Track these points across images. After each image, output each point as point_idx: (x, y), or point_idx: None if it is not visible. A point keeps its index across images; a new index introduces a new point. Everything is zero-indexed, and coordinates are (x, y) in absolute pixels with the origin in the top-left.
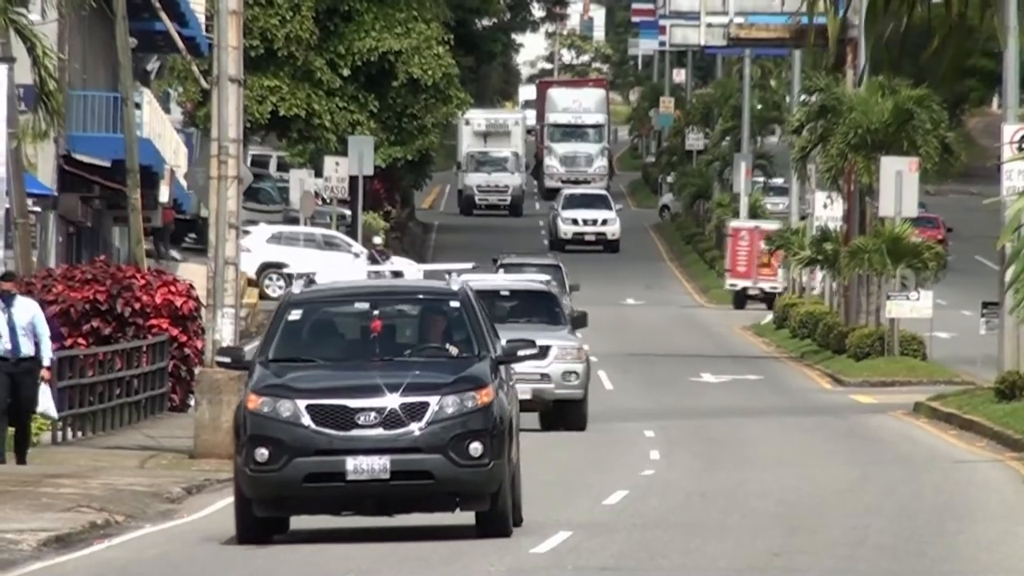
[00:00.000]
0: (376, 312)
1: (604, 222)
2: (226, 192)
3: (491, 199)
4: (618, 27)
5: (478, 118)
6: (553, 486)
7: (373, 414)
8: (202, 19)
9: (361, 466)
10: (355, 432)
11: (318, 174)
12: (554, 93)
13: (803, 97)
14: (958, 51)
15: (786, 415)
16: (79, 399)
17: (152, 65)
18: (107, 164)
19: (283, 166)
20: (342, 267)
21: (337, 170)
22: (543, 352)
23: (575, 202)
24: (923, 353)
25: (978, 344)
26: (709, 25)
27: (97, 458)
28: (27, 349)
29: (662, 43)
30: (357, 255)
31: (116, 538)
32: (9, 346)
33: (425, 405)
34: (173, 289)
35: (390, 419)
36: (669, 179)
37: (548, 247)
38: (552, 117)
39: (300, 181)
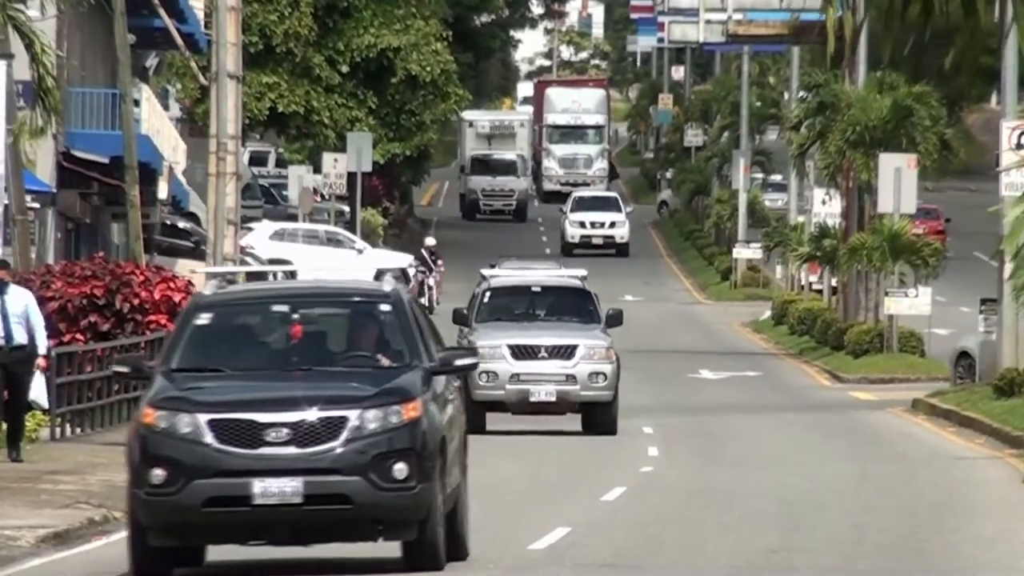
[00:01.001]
0: (296, 316)
1: (612, 225)
2: (224, 188)
3: (496, 204)
4: (616, 24)
5: (482, 120)
6: (552, 483)
7: (284, 430)
8: (201, 15)
9: (270, 489)
10: (263, 450)
11: (317, 170)
12: (553, 93)
13: (802, 94)
14: (975, 47)
15: (785, 412)
16: (77, 395)
17: (151, 61)
18: (106, 161)
19: (282, 162)
20: (345, 263)
21: (336, 166)
22: (568, 352)
23: (584, 205)
24: (922, 350)
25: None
26: (708, 22)
27: (95, 454)
28: (20, 337)
29: (661, 40)
30: (360, 251)
31: (114, 535)
32: (2, 333)
33: (343, 420)
34: (172, 285)
35: (304, 436)
36: (668, 176)
37: (561, 251)
38: (551, 118)
39: (299, 178)
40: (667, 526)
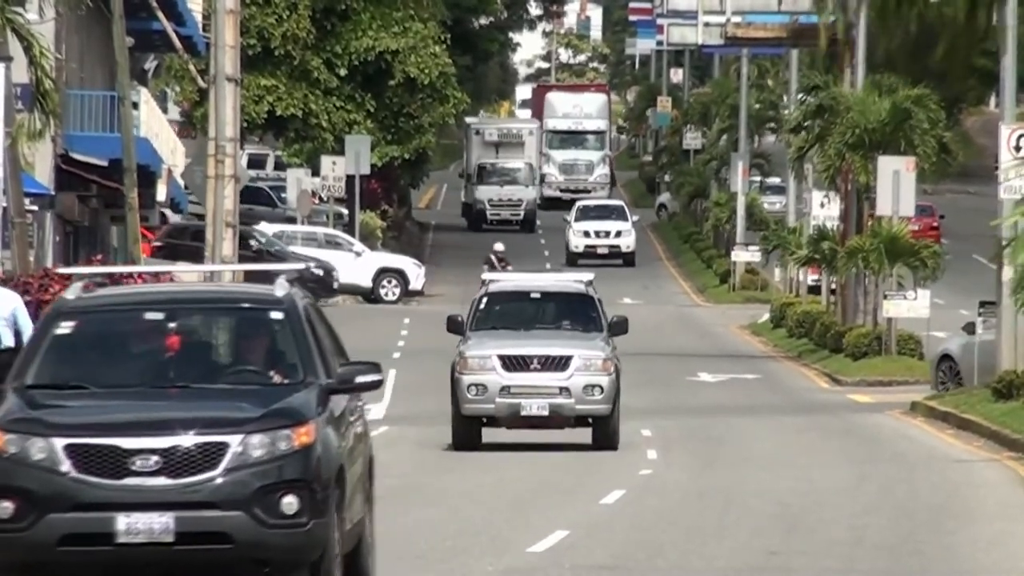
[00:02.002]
0: (173, 325)
1: (618, 234)
2: (223, 191)
3: (503, 214)
4: (615, 26)
5: (489, 128)
6: (550, 486)
7: (154, 458)
8: (199, 18)
9: (136, 525)
10: (129, 481)
11: (315, 173)
12: (553, 97)
13: (800, 96)
14: (964, 48)
15: (783, 414)
16: None
17: (149, 64)
18: (104, 163)
19: (280, 165)
20: (344, 265)
21: (334, 169)
22: (562, 363)
23: (588, 214)
24: (920, 352)
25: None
26: (707, 24)
27: None
28: (8, 340)
29: (659, 42)
30: (359, 254)
31: None
32: None
33: (223, 447)
34: None
35: (177, 464)
36: (666, 179)
37: (565, 262)
38: (551, 123)
39: (297, 180)
40: (666, 529)
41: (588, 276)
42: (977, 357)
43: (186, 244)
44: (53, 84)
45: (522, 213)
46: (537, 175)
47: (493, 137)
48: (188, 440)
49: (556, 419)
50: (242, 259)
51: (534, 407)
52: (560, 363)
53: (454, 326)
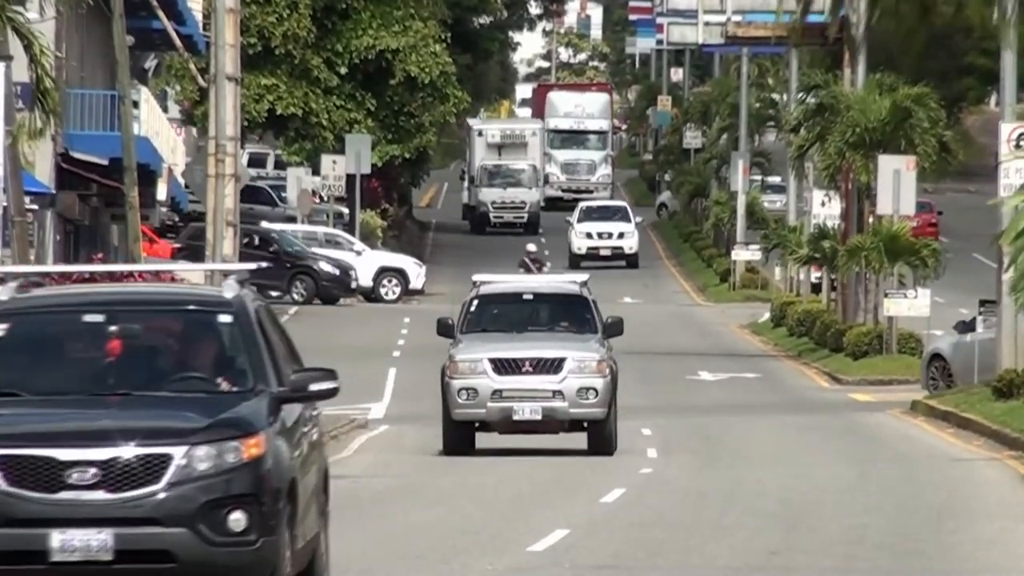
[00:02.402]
0: (114, 328)
1: (621, 235)
2: (223, 190)
3: (507, 216)
4: (615, 25)
5: (492, 129)
6: (550, 485)
7: (92, 470)
8: (199, 17)
9: (72, 542)
10: (65, 495)
11: (315, 172)
12: (555, 97)
13: (801, 95)
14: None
15: (784, 413)
16: None
17: (150, 63)
18: (105, 162)
19: (280, 164)
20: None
21: (334, 168)
22: (555, 365)
23: (591, 215)
24: (921, 351)
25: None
26: (707, 23)
27: None
28: None
29: (659, 41)
30: (359, 253)
31: None
32: None
33: (167, 459)
34: None
35: (117, 478)
36: (667, 178)
37: (568, 264)
38: (553, 122)
39: (298, 179)
40: (666, 527)
41: (582, 277)
42: (978, 356)
43: None
44: (53, 83)
45: (526, 216)
46: (541, 177)
47: (496, 139)
48: (129, 452)
49: (550, 423)
50: (262, 261)
51: (527, 411)
52: (553, 365)
53: (444, 329)
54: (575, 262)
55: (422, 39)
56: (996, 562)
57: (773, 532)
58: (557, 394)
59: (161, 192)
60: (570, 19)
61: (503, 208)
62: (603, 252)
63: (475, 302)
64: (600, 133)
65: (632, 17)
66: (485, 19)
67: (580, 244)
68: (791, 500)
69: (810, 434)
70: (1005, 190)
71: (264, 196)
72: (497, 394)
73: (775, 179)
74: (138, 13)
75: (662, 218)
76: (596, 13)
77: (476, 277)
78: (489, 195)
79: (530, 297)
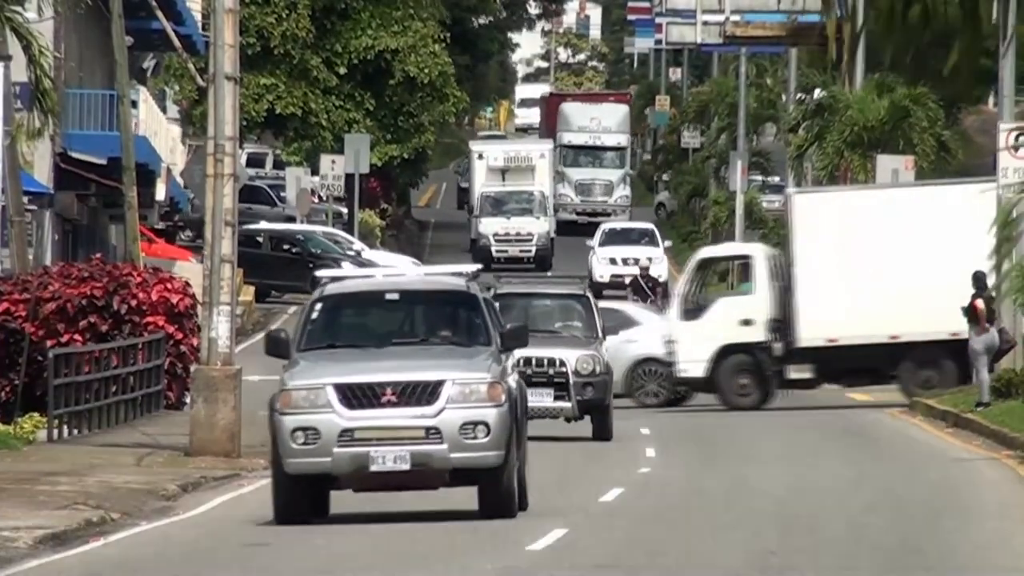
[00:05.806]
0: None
1: (649, 261)
2: (222, 190)
3: (511, 250)
4: (614, 25)
5: (495, 151)
6: (550, 483)
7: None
8: (198, 17)
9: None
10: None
11: (314, 172)
12: (568, 108)
13: (799, 95)
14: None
15: (782, 413)
16: (75, 396)
17: (148, 63)
18: (103, 162)
19: (279, 164)
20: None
21: (333, 168)
22: (429, 392)
23: (615, 238)
24: None
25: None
26: (705, 23)
27: (93, 455)
28: None
29: (658, 41)
30: (358, 252)
31: (112, 535)
32: None
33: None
34: (169, 286)
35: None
36: (665, 178)
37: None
38: (566, 137)
39: (296, 179)
40: (665, 527)
41: (472, 267)
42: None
43: None
44: (52, 83)
45: (533, 249)
46: (551, 205)
47: (499, 162)
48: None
49: (422, 474)
50: (286, 262)
51: (389, 459)
52: (425, 392)
53: (275, 346)
54: (597, 292)
55: (421, 39)
56: (995, 562)
57: (772, 531)
58: (432, 432)
59: (160, 192)
60: (569, 19)
61: (507, 241)
62: (628, 280)
63: (318, 307)
64: (618, 149)
65: (631, 17)
66: (484, 19)
67: (603, 271)
68: (790, 499)
69: (809, 434)
70: (1003, 189)
71: (263, 196)
72: (347, 435)
73: (774, 179)
74: (137, 13)
75: (660, 218)
76: (595, 13)
77: (320, 273)
78: (491, 226)
79: (395, 297)
